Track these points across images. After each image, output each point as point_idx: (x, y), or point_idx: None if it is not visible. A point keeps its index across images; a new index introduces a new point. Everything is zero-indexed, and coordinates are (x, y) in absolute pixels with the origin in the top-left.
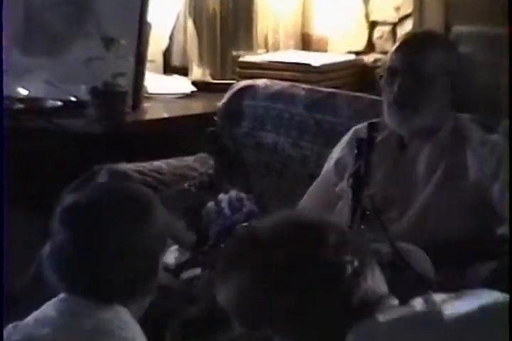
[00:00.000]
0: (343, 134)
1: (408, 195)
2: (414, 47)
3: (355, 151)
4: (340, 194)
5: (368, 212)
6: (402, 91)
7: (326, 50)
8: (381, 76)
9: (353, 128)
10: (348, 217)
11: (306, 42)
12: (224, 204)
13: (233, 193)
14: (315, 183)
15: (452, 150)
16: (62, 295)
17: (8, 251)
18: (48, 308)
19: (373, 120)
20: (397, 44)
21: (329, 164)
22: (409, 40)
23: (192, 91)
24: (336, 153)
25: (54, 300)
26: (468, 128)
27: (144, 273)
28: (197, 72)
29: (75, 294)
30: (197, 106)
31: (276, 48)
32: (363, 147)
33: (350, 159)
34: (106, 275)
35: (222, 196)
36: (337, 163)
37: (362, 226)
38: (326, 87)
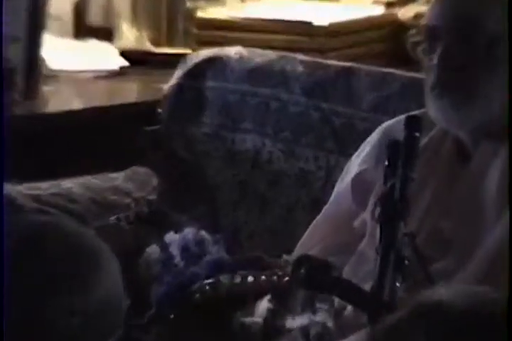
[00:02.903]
0: (365, 135)
1: (472, 232)
2: None
3: (386, 163)
4: (361, 230)
5: (406, 261)
6: (445, 65)
7: (337, 0)
8: (417, 42)
9: (382, 126)
10: (375, 267)
11: None
12: (174, 250)
13: (189, 232)
14: (322, 214)
15: None
16: None
17: None
18: None
19: (414, 112)
20: None
21: (344, 183)
22: None
23: (121, 67)
24: (354, 164)
25: None
26: None
27: None
28: (129, 36)
29: None
30: (129, 91)
31: None
32: (399, 155)
33: (378, 174)
34: None
35: (171, 236)
36: (357, 180)
37: (397, 284)
38: (338, 59)
